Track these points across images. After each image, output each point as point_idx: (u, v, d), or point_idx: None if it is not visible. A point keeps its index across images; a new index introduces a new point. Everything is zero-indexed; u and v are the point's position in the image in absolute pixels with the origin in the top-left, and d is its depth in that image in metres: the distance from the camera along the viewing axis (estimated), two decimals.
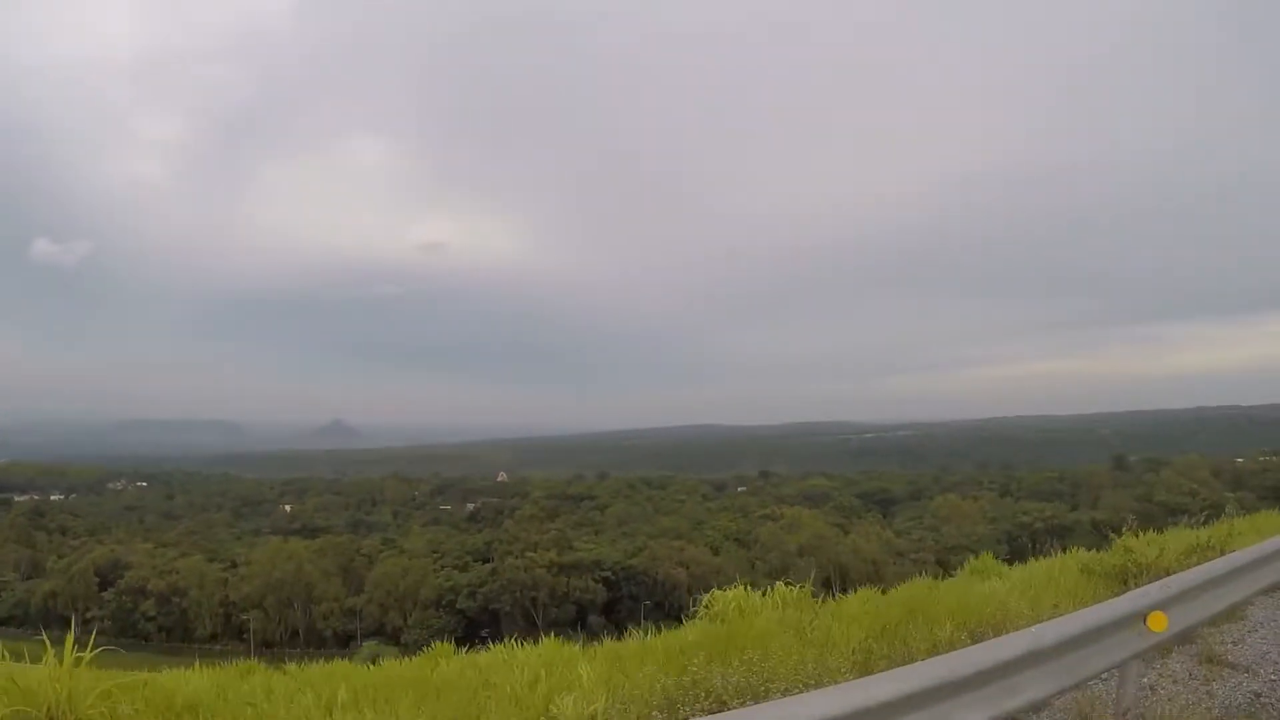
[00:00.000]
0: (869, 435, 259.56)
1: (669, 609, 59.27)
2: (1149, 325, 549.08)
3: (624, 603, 69.74)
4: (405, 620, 74.83)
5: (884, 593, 8.68)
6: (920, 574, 11.18)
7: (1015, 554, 31.93)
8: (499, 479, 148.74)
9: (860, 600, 8.21)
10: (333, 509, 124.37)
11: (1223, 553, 8.35)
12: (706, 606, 8.58)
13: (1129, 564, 8.73)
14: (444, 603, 73.78)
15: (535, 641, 7.58)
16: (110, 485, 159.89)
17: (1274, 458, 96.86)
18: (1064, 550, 12.13)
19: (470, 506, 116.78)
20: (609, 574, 69.86)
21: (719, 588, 8.79)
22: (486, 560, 77.24)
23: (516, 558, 70.66)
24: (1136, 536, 9.67)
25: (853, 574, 63.26)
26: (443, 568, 78.08)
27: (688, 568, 70.19)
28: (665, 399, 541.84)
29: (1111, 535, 9.89)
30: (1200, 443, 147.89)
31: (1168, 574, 7.14)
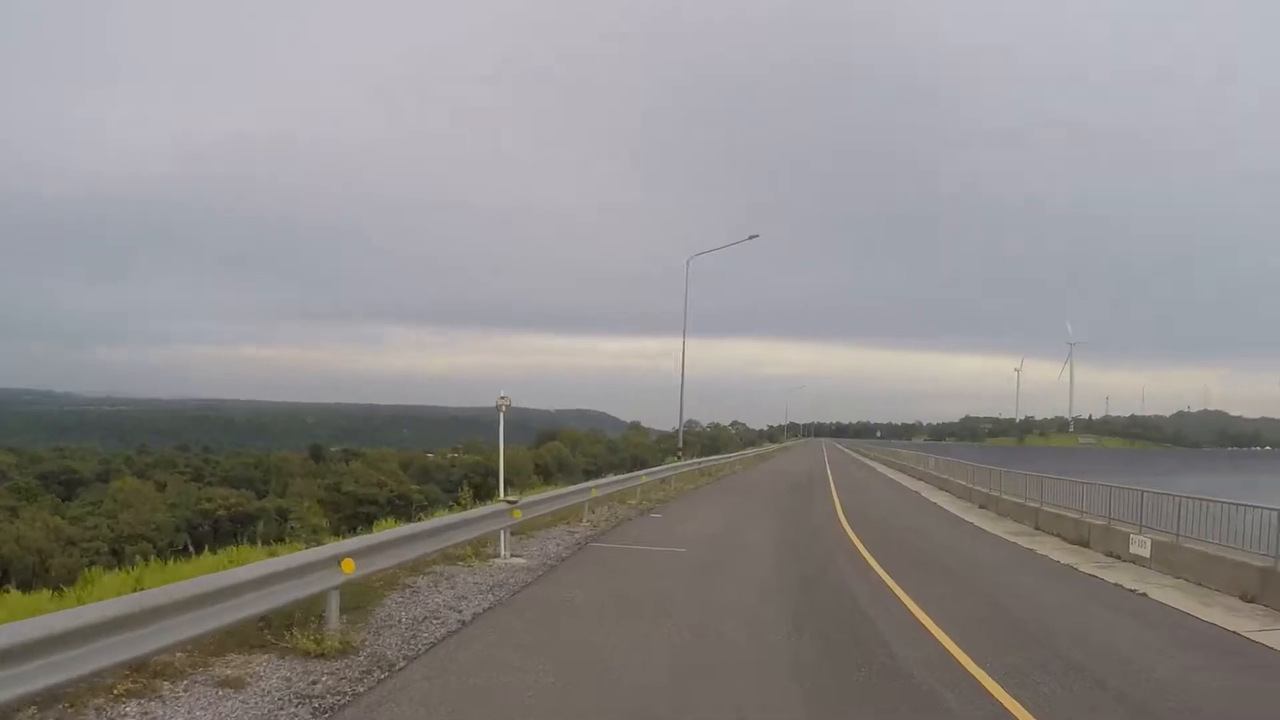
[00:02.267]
0: (70, 408, 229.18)
1: None
2: (368, 325, 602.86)
3: None
4: None
5: None
6: (92, 565, 9.76)
7: (196, 543, 32.06)
8: None
9: None
10: None
11: None
12: None
13: None
14: None
15: None
16: None
17: (463, 455, 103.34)
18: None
19: None
20: None
21: None
22: None
23: None
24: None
25: (16, 566, 56.70)
26: None
27: None
28: None
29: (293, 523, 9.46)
30: (403, 438, 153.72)
31: None
